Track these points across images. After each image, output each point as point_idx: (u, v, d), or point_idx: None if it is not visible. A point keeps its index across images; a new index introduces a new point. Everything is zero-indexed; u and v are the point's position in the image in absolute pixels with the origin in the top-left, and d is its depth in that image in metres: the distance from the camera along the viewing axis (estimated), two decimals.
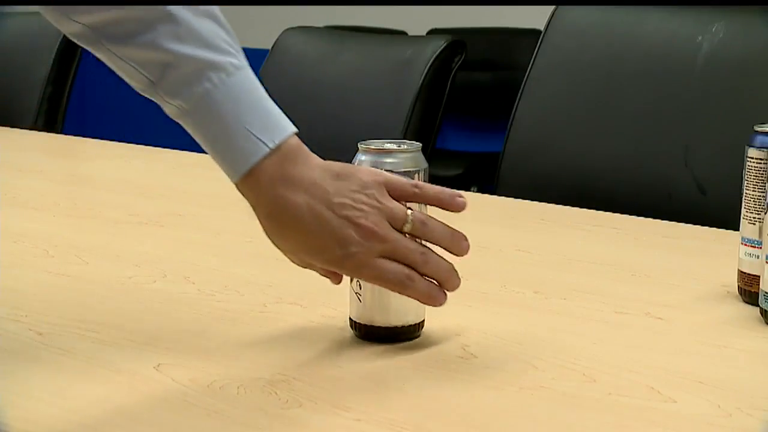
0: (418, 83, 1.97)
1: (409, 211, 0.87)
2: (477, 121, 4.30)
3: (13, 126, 2.28)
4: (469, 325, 0.97)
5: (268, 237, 0.88)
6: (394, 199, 0.87)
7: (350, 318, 0.93)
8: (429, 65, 1.99)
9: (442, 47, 2.02)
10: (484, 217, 1.44)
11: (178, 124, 0.88)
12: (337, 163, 0.88)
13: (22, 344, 0.78)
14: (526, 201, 1.55)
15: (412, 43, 2.23)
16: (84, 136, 2.20)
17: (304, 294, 1.05)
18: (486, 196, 1.67)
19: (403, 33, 3.81)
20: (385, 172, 0.88)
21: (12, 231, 1.30)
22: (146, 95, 0.87)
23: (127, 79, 0.87)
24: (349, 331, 0.94)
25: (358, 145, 0.91)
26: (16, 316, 0.96)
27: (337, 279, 0.92)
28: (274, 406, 0.78)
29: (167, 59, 0.84)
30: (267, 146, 0.85)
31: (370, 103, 2.02)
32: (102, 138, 2.15)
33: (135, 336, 0.93)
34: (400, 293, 0.87)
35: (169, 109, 0.87)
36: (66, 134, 2.34)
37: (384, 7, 4.32)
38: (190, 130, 0.87)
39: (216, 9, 0.86)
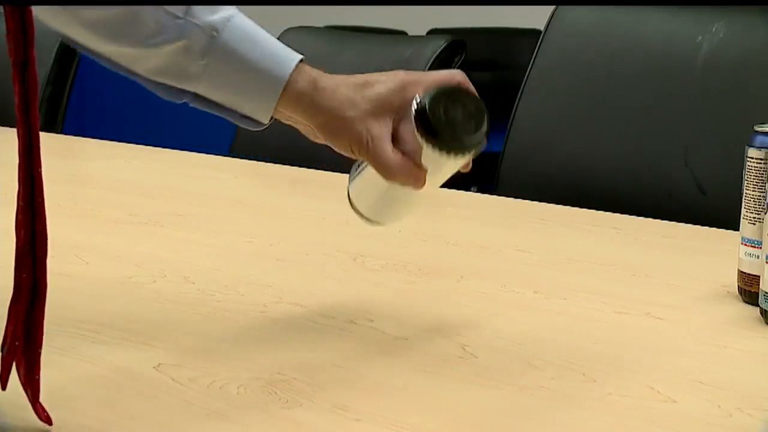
0: None
1: None
2: None
3: (13, 126, 2.28)
4: (469, 325, 0.97)
5: (330, 138, 0.90)
6: None
7: None
8: (429, 65, 1.98)
9: (442, 47, 2.02)
10: (484, 217, 1.44)
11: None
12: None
13: None
14: (526, 201, 1.55)
15: (412, 43, 2.23)
16: (84, 136, 2.20)
17: (304, 294, 1.05)
18: (486, 196, 1.67)
19: (403, 33, 3.80)
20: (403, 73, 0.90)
21: (12, 231, 1.30)
22: (163, 41, 0.89)
23: (138, 29, 0.89)
24: (349, 331, 0.94)
25: None
26: None
27: (419, 180, 0.90)
28: (274, 406, 0.78)
29: None
30: (297, 56, 0.90)
31: None
32: (102, 138, 2.15)
33: (135, 336, 0.93)
34: None
35: (199, 40, 0.89)
36: (66, 134, 2.34)
37: (384, 7, 4.31)
38: (216, 64, 0.89)
39: None
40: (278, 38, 0.91)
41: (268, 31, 0.91)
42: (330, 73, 0.92)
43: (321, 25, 3.15)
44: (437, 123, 0.86)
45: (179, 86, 0.91)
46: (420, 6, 4.25)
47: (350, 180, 0.93)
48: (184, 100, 0.93)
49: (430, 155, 0.87)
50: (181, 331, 0.94)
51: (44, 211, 0.73)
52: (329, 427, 0.75)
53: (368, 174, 0.90)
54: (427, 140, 0.86)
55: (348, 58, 2.08)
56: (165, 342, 0.91)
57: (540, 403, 0.80)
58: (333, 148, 0.91)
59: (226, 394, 0.80)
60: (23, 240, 0.73)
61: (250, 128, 0.93)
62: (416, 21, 3.99)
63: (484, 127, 0.88)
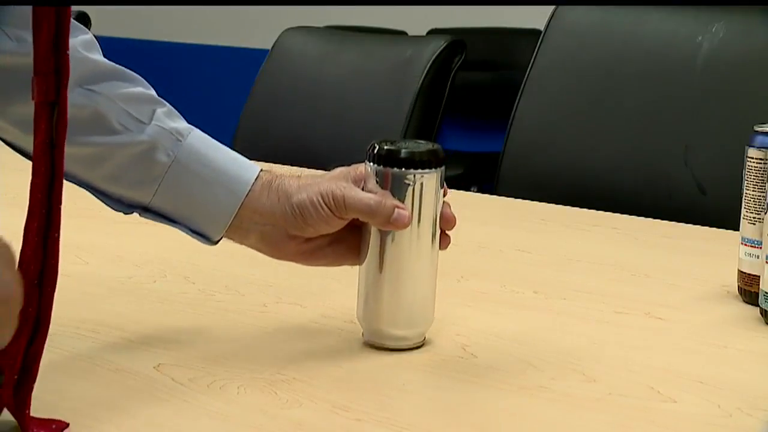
0: (418, 83, 1.97)
1: None
2: (477, 121, 4.30)
3: None
4: (469, 325, 0.97)
5: (301, 205, 0.89)
6: None
7: None
8: (429, 65, 1.99)
9: (442, 47, 2.02)
10: (484, 217, 1.44)
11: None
12: None
13: None
14: (526, 201, 1.55)
15: (412, 43, 2.22)
16: None
17: (304, 294, 1.05)
18: (486, 196, 1.67)
19: (403, 33, 3.81)
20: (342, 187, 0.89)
21: (12, 231, 1.29)
22: (128, 141, 0.90)
23: (104, 127, 0.90)
24: (349, 331, 0.94)
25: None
26: None
27: (403, 211, 0.88)
28: (274, 406, 0.78)
29: (157, 101, 0.92)
30: (257, 166, 0.92)
31: (370, 103, 2.02)
32: None
33: (135, 336, 0.93)
34: None
35: (165, 141, 0.90)
36: None
37: (384, 7, 4.31)
38: (181, 166, 0.90)
39: None
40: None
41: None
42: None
43: (321, 25, 3.15)
44: (391, 148, 0.88)
45: (132, 197, 0.92)
46: (420, 6, 4.25)
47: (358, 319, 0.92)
48: (132, 213, 0.93)
49: (397, 186, 0.87)
50: (181, 331, 0.95)
51: (58, 246, 0.72)
52: (329, 427, 0.75)
53: (362, 282, 0.90)
54: (387, 165, 0.87)
55: (348, 58, 2.08)
56: (165, 342, 0.91)
57: (540, 403, 0.80)
58: (304, 231, 0.90)
59: (226, 394, 0.80)
60: (32, 275, 0.71)
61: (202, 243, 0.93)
62: (416, 21, 3.99)
63: (433, 145, 0.89)
